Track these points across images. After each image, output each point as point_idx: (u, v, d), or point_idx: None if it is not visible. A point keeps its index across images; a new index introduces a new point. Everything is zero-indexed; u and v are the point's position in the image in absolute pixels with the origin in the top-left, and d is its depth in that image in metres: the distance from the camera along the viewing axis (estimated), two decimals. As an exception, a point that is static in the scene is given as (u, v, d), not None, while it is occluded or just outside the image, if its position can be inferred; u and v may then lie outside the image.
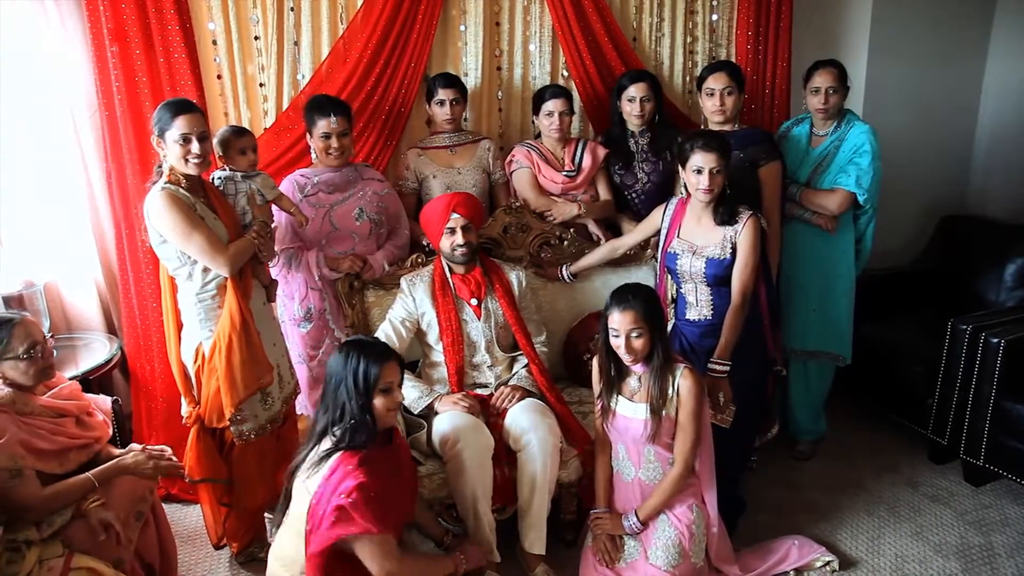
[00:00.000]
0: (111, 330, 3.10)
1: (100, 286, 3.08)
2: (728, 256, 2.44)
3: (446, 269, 2.65)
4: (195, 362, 2.35)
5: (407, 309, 2.63)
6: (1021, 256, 3.36)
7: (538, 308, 2.84)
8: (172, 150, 2.19)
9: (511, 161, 3.06)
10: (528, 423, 2.39)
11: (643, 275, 2.99)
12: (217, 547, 2.56)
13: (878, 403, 3.41)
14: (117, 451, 2.23)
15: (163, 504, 2.48)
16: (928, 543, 2.63)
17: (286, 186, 2.68)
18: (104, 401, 2.40)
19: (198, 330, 2.32)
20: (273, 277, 2.57)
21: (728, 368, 2.40)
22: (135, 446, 2.22)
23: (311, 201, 2.71)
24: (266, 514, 2.64)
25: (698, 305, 2.54)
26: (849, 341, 3.02)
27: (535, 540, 2.39)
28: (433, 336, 2.62)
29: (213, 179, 2.41)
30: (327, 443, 1.96)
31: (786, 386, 3.15)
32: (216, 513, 2.50)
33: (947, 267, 3.63)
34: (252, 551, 2.57)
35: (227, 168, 2.43)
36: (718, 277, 2.46)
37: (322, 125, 2.64)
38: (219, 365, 2.28)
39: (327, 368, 2.02)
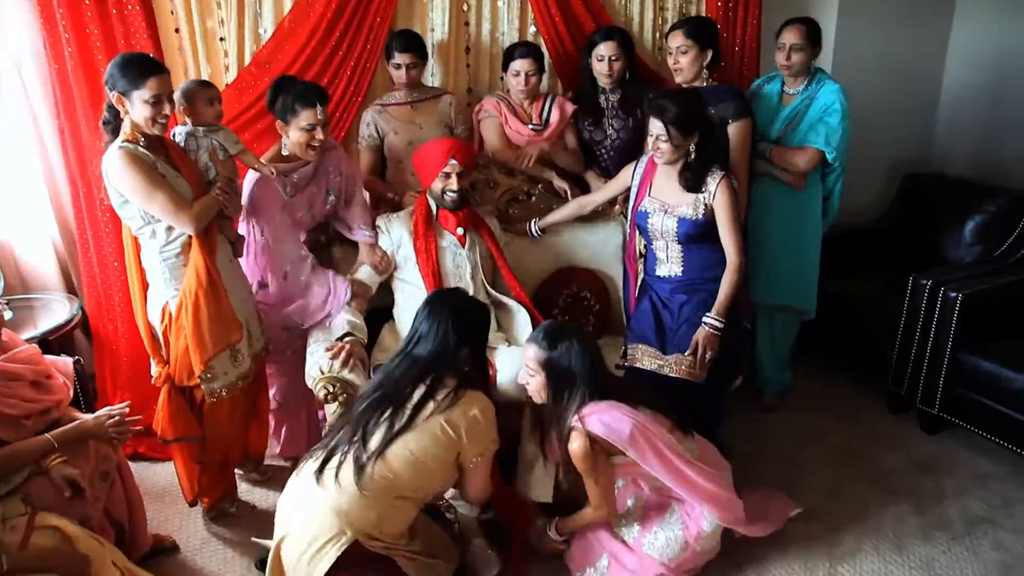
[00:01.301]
0: (71, 290, 3.04)
1: (57, 245, 3.01)
2: (701, 216, 2.43)
3: (432, 205, 2.67)
4: (162, 321, 2.32)
5: (383, 245, 2.68)
6: (980, 213, 3.43)
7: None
8: (140, 110, 2.13)
9: (480, 110, 3.04)
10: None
11: (611, 231, 3.01)
12: (192, 504, 2.55)
13: (841, 356, 3.49)
14: (79, 414, 2.20)
15: (131, 462, 2.46)
16: (884, 488, 2.72)
17: (268, 188, 2.48)
18: (65, 363, 2.36)
19: (164, 289, 2.29)
20: (240, 233, 2.53)
21: (723, 325, 2.41)
22: (101, 412, 2.18)
23: (294, 201, 2.55)
24: (236, 470, 2.64)
25: (668, 262, 2.54)
26: (814, 296, 3.07)
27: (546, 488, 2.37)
28: (410, 267, 2.63)
29: (174, 135, 2.36)
30: (449, 384, 2.05)
31: (753, 339, 3.20)
32: (190, 471, 2.49)
33: (910, 224, 3.70)
34: (223, 507, 2.57)
35: (188, 123, 2.37)
36: (690, 236, 2.46)
37: (307, 116, 2.42)
38: (186, 323, 2.26)
39: (419, 322, 2.11)
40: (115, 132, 2.21)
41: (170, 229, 2.23)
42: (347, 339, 2.42)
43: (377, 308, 2.73)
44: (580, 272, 2.99)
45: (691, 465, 2.18)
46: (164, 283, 2.29)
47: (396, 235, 2.69)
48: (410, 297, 2.65)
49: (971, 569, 2.35)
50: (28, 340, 2.35)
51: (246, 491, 2.71)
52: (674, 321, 2.50)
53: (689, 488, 2.18)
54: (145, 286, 2.38)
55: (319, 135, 2.47)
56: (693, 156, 2.42)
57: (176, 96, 2.29)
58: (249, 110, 2.83)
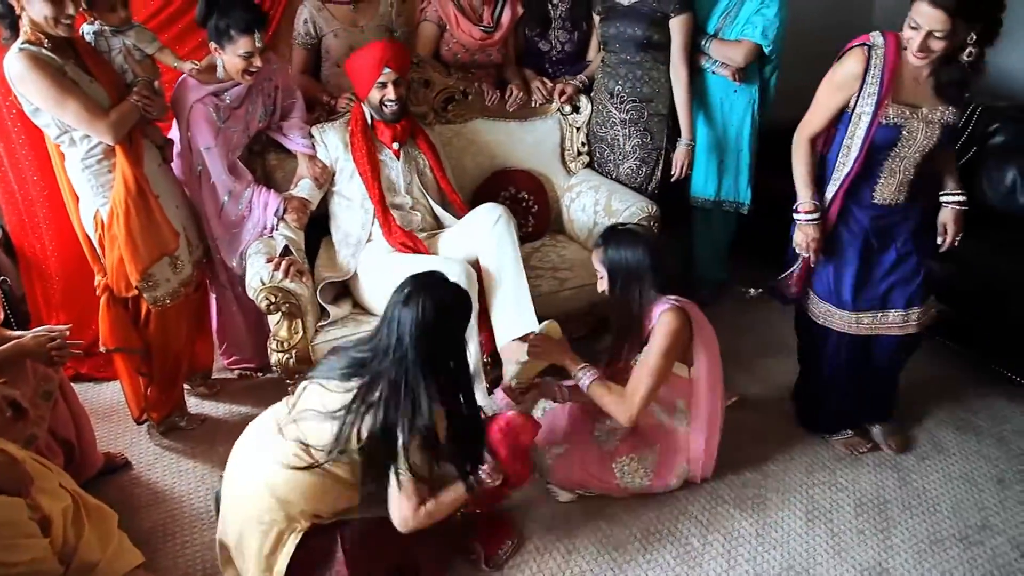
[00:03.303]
0: (-13, 208, 2.88)
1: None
2: (960, 121, 2.03)
3: (368, 116, 2.59)
4: (96, 230, 2.27)
5: (320, 156, 2.60)
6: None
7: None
8: (38, 8, 1.96)
9: (423, 9, 2.91)
10: (477, 218, 2.40)
11: (548, 129, 3.02)
12: (139, 421, 2.56)
13: (775, 251, 3.56)
14: (13, 334, 2.14)
15: (75, 384, 2.44)
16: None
17: (201, 116, 2.33)
18: (-12, 287, 2.28)
19: (92, 197, 2.22)
20: (168, 136, 2.41)
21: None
22: (39, 330, 2.12)
23: (228, 126, 2.41)
24: (185, 384, 2.64)
25: (896, 188, 2.09)
26: (749, 190, 3.11)
27: (529, 318, 2.34)
28: (346, 180, 2.58)
29: (82, 34, 2.19)
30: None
31: (690, 235, 3.28)
32: (135, 385, 2.49)
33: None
34: (173, 420, 2.58)
35: (95, 22, 2.20)
36: (947, 148, 2.09)
37: (244, 44, 2.26)
38: (119, 234, 2.21)
39: (390, 316, 1.77)
40: (13, 27, 2.04)
41: (89, 136, 2.13)
42: (288, 256, 2.37)
43: (312, 216, 2.64)
44: (517, 173, 3.00)
45: (721, 403, 2.25)
46: (92, 191, 2.21)
47: (332, 145, 2.60)
48: (347, 210, 2.60)
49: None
50: (-55, 263, 2.25)
51: (195, 405, 2.72)
52: (882, 269, 2.19)
53: (711, 421, 2.22)
54: (77, 196, 2.29)
55: (257, 62, 2.32)
56: (971, 53, 1.88)
57: None
58: (166, 7, 2.65)
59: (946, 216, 2.20)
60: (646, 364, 2.09)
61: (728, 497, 2.32)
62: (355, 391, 1.76)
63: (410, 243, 2.48)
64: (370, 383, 1.76)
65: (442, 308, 1.77)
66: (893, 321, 2.26)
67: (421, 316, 1.73)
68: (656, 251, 2.18)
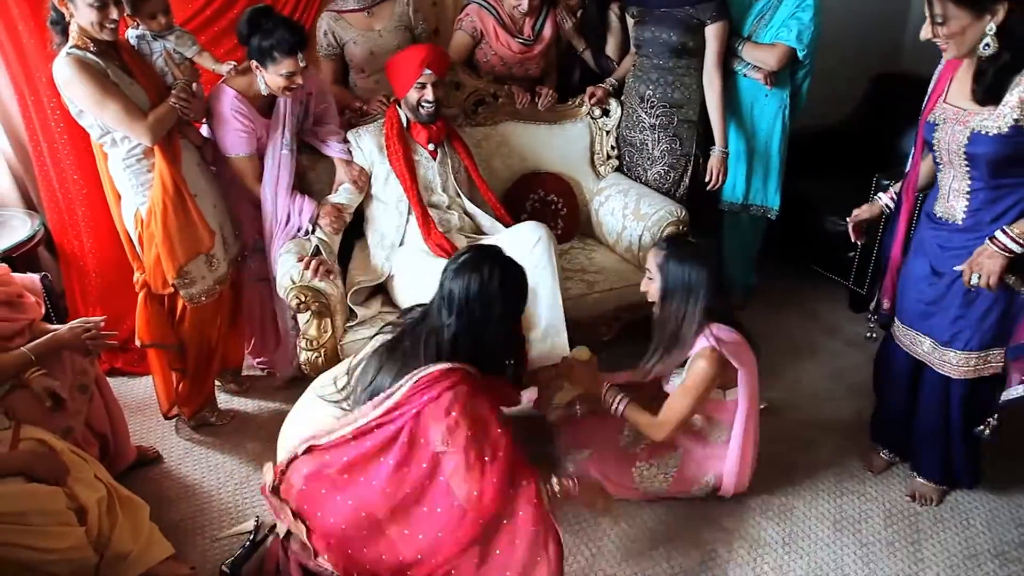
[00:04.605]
0: (30, 206, 2.95)
1: (10, 159, 2.89)
2: (1009, 129, 1.70)
3: (403, 118, 2.61)
4: (136, 228, 2.32)
5: (358, 160, 2.63)
6: (945, 113, 3.43)
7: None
8: (85, 14, 2.02)
9: (460, 19, 2.92)
10: (519, 235, 2.40)
11: (578, 132, 3.01)
12: (167, 416, 2.60)
13: (805, 256, 3.58)
14: (52, 327, 2.19)
15: (109, 378, 2.48)
16: (843, 383, 2.87)
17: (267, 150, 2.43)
18: (32, 280, 2.33)
19: (133, 196, 2.28)
20: (205, 136, 2.45)
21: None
22: (75, 322, 2.18)
23: (271, 140, 2.47)
24: (216, 381, 2.68)
25: (948, 198, 1.91)
26: (778, 194, 3.09)
27: (562, 342, 2.36)
28: (381, 184, 2.61)
29: (128, 38, 2.26)
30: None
31: (719, 240, 3.27)
32: (167, 380, 2.54)
33: (876, 124, 3.71)
34: (203, 415, 2.62)
35: (138, 27, 2.26)
36: (987, 160, 1.75)
37: (287, 65, 2.29)
38: (156, 232, 2.26)
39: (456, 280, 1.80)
40: (65, 33, 2.11)
41: (129, 137, 2.19)
42: (318, 256, 2.41)
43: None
44: (546, 176, 3.00)
45: (755, 423, 2.21)
46: (132, 190, 2.27)
47: (368, 150, 2.63)
48: (383, 213, 2.63)
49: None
50: (-8, 259, 2.31)
51: (225, 401, 2.76)
52: (946, 298, 1.96)
53: (746, 439, 2.18)
54: (119, 195, 2.34)
55: (299, 80, 2.35)
56: (991, 47, 1.69)
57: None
58: (205, 9, 2.70)
59: (977, 252, 1.84)
60: (678, 399, 2.10)
61: (754, 505, 2.30)
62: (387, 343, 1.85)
63: (447, 246, 2.50)
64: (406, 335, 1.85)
65: (507, 277, 1.82)
66: (928, 352, 2.06)
67: (487, 280, 1.77)
68: (716, 275, 2.13)
